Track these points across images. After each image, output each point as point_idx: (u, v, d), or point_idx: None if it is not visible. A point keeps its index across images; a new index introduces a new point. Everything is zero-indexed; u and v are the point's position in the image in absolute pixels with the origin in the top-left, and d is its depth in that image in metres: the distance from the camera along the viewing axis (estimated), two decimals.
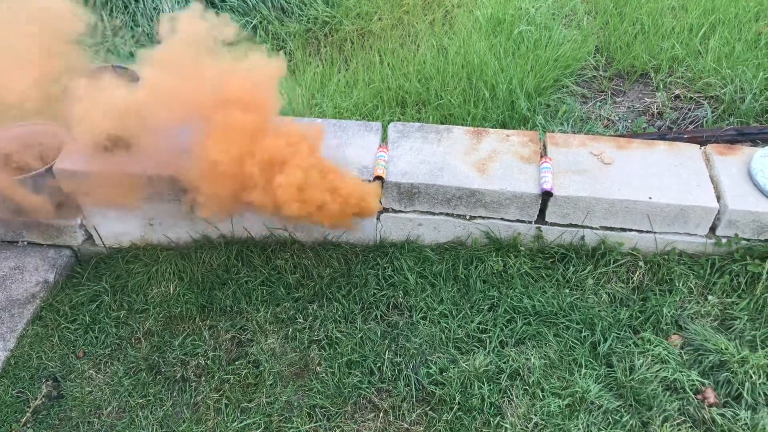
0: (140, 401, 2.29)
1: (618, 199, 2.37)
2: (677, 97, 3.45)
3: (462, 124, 3.20)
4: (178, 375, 2.33)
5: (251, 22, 4.41)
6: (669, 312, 2.32)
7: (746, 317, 2.30)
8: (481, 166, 2.49)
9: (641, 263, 2.47)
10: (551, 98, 3.44)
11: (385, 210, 2.56)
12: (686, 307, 2.36)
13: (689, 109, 3.35)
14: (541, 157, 2.52)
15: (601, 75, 3.66)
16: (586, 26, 3.93)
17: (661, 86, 3.47)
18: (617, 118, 3.43)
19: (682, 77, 3.46)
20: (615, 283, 2.45)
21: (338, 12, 4.36)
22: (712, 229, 2.44)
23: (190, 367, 2.35)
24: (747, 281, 2.38)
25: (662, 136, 3.02)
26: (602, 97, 3.56)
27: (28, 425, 2.26)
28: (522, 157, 2.53)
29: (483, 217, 2.52)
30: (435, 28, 4.11)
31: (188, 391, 2.30)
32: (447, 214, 2.53)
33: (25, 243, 2.81)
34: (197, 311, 2.53)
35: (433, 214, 2.54)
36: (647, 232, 2.46)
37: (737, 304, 2.35)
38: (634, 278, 2.46)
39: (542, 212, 2.48)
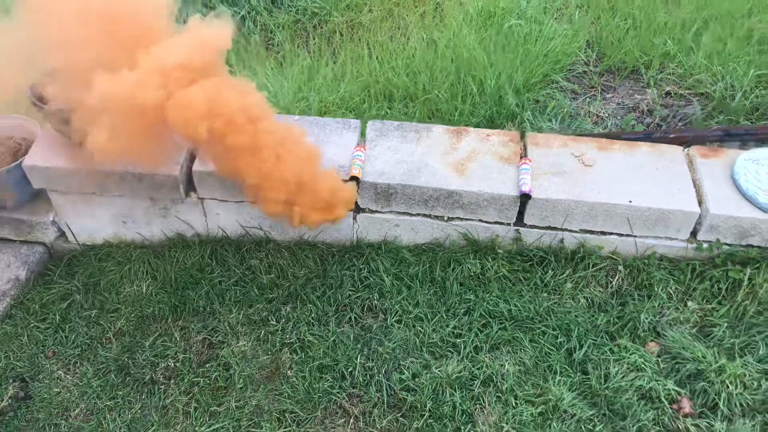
0: (108, 403, 2.26)
1: (598, 203, 2.32)
2: (668, 93, 3.39)
3: (449, 119, 3.14)
4: (147, 377, 2.30)
5: (239, 13, 4.34)
6: (647, 318, 2.28)
7: (726, 324, 2.27)
8: (460, 166, 2.44)
9: (621, 267, 2.43)
10: (540, 94, 3.39)
11: (362, 210, 2.51)
12: (665, 313, 2.32)
13: (679, 107, 3.29)
14: (521, 158, 2.47)
15: (591, 70, 3.60)
16: (577, 20, 3.86)
17: (652, 83, 3.41)
18: (606, 115, 3.37)
19: (673, 74, 3.41)
20: (594, 287, 2.41)
21: (328, 3, 4.28)
22: (693, 233, 2.39)
23: (159, 369, 2.31)
24: (728, 287, 2.34)
25: (648, 135, 2.96)
26: (592, 93, 3.51)
27: None
28: (502, 158, 2.47)
29: (461, 219, 2.48)
30: (425, 21, 4.04)
31: (157, 394, 2.26)
32: (425, 215, 2.49)
33: None
34: (169, 311, 2.49)
35: (411, 215, 2.49)
36: (627, 235, 2.42)
37: (717, 310, 2.31)
38: (614, 283, 2.42)
39: (521, 214, 2.43)
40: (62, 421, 2.23)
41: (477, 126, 3.12)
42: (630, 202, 2.31)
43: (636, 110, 3.39)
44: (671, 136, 2.95)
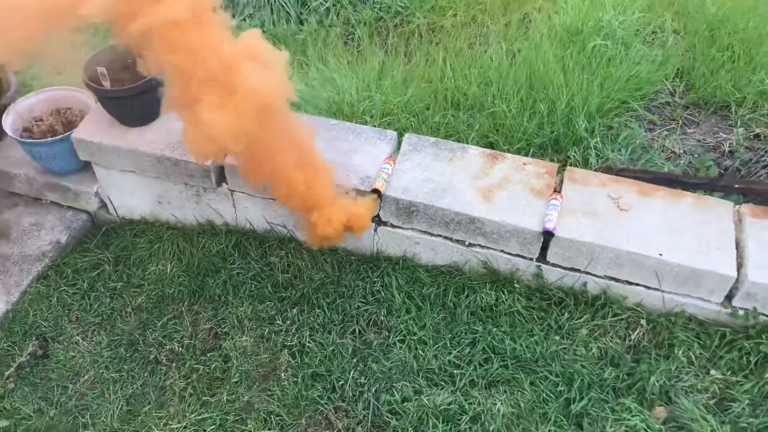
0: (114, 375, 2.36)
1: (625, 251, 2.19)
2: (756, 136, 3.14)
3: (512, 135, 3.04)
4: (152, 357, 2.38)
5: (325, 4, 4.39)
6: (659, 380, 2.14)
7: (747, 401, 2.09)
8: (488, 192, 2.37)
9: (643, 321, 2.29)
10: (614, 120, 3.22)
11: (384, 223, 2.48)
12: (682, 378, 2.17)
13: (765, 152, 3.05)
14: (554, 192, 2.36)
15: (675, 102, 3.39)
16: (670, 46, 3.65)
17: (741, 122, 3.17)
18: (682, 152, 3.17)
19: (767, 115, 3.15)
20: (610, 337, 2.29)
21: (413, 3, 4.25)
22: (729, 297, 2.22)
23: (164, 350, 2.39)
24: (757, 362, 2.16)
25: (712, 181, 2.76)
26: (672, 126, 3.30)
27: (11, 379, 2.37)
28: (533, 189, 2.38)
29: (482, 246, 2.41)
30: (509, 31, 3.93)
31: (158, 374, 2.34)
32: (445, 237, 2.44)
33: (48, 201, 2.92)
34: (187, 295, 2.56)
35: (431, 234, 2.44)
36: (655, 289, 2.27)
37: (741, 384, 2.14)
38: (633, 336, 2.28)
39: (545, 250, 2.34)
40: (70, 385, 2.35)
41: (540, 146, 3.02)
42: (660, 255, 2.17)
43: (716, 150, 3.17)
44: (736, 186, 2.75)
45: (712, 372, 2.17)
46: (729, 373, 2.17)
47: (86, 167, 2.76)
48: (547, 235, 2.24)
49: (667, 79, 3.44)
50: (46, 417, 2.24)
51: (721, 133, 3.25)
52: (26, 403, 2.30)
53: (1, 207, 2.90)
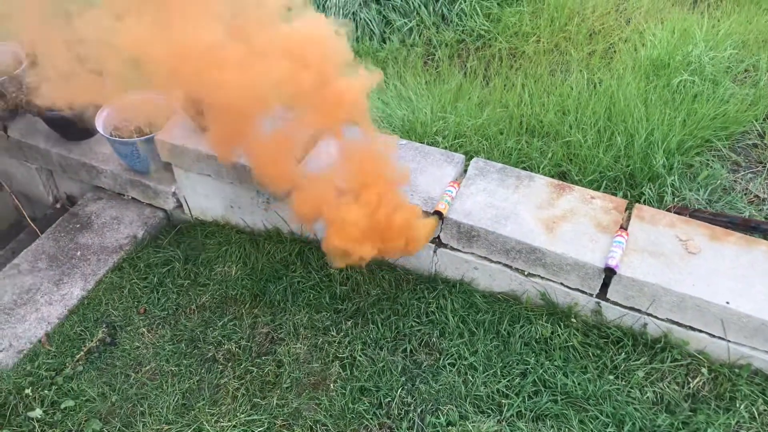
0: (173, 368, 2.46)
1: (689, 295, 2.13)
2: None
3: (586, 167, 2.99)
4: (210, 354, 2.47)
5: (408, 24, 4.46)
6: None
7: None
8: (551, 224, 2.35)
9: (704, 370, 2.21)
10: (695, 159, 3.11)
11: (444, 245, 2.50)
12: None
13: None
14: (620, 229, 2.32)
15: (764, 144, 3.26)
16: (763, 86, 3.51)
17: None
18: (767, 196, 3.04)
19: None
20: (668, 383, 2.21)
21: (496, 27, 4.26)
22: None
23: (222, 350, 2.48)
24: None
25: None
26: (758, 168, 3.17)
27: (80, 362, 2.51)
28: (599, 224, 2.34)
29: (541, 277, 2.38)
30: (592, 61, 3.89)
31: (214, 372, 2.43)
32: (504, 265, 2.43)
33: (129, 197, 3.10)
34: (249, 298, 2.65)
35: (491, 261, 2.44)
36: (720, 338, 2.19)
37: None
38: (692, 384, 2.20)
39: (605, 287, 2.29)
40: (133, 374, 2.47)
41: (614, 179, 2.95)
42: (727, 303, 2.09)
43: None
44: None
45: None
46: None
47: (167, 167, 2.90)
48: (609, 272, 2.20)
49: (756, 120, 3.30)
50: (108, 402, 2.37)
51: None
52: (92, 386, 2.43)
53: None
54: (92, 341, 2.57)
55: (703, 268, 2.19)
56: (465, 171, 2.61)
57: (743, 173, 3.12)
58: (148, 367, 2.49)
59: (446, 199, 2.41)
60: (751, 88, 3.46)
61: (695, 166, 3.05)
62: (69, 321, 2.64)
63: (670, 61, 3.66)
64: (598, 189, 2.85)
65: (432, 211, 2.39)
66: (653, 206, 2.75)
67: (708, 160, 3.08)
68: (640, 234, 2.30)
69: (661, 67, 3.66)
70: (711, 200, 2.91)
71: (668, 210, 2.67)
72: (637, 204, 2.44)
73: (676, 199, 2.88)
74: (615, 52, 3.98)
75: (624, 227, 2.35)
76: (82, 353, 2.53)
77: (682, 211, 2.70)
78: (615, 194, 2.86)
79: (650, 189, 2.87)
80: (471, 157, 2.67)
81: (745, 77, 3.62)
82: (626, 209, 2.42)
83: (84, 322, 2.65)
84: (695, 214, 2.65)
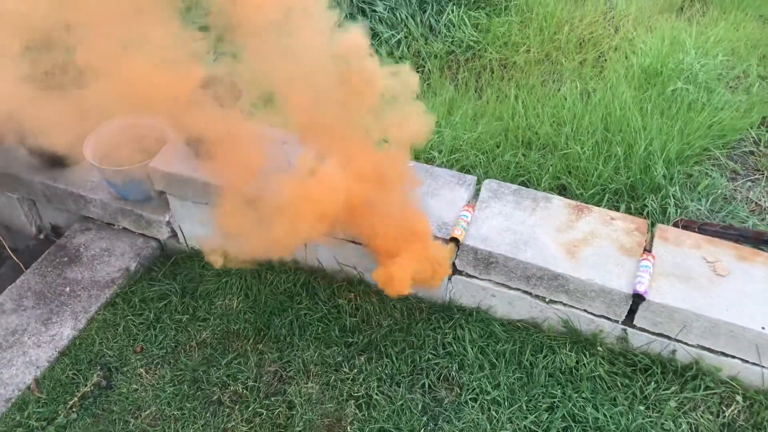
0: (176, 413, 2.30)
1: (723, 321, 2.03)
2: None
3: (586, 180, 2.91)
4: (215, 397, 2.32)
5: (396, 36, 4.36)
6: None
7: None
8: (573, 248, 2.24)
9: (739, 398, 2.12)
10: (694, 168, 3.05)
11: (459, 272, 2.38)
12: None
13: None
14: (644, 252, 2.22)
15: (761, 151, 3.21)
16: (756, 93, 3.47)
17: None
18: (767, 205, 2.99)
19: None
20: (702, 413, 2.12)
21: (485, 38, 4.18)
22: None
23: (228, 391, 2.33)
24: None
25: None
26: (756, 176, 3.12)
27: (74, 409, 2.34)
28: (622, 247, 2.24)
29: (564, 304, 2.28)
30: (583, 70, 3.82)
31: (221, 416, 2.27)
32: (524, 292, 2.32)
33: (120, 227, 2.93)
34: (253, 333, 2.51)
35: (509, 288, 2.33)
36: (754, 364, 2.10)
37: None
38: (727, 414, 2.10)
39: (632, 313, 2.19)
40: (132, 420, 2.30)
41: (615, 192, 2.88)
42: (763, 329, 2.00)
43: None
44: None
45: None
46: None
47: (160, 195, 2.75)
48: (638, 299, 2.10)
49: (751, 127, 3.26)
50: None
51: None
52: None
53: None
54: (86, 385, 2.40)
55: (734, 292, 2.10)
56: (477, 193, 2.49)
57: (742, 181, 3.07)
58: (147, 412, 2.33)
59: (462, 225, 2.29)
60: (744, 94, 3.42)
61: (694, 176, 2.99)
62: (60, 364, 2.47)
63: (662, 69, 3.62)
64: (600, 202, 2.78)
65: (448, 238, 2.27)
66: (657, 218, 2.68)
67: (707, 169, 3.02)
68: (666, 256, 2.21)
69: (654, 75, 3.61)
70: (713, 210, 2.86)
71: (675, 224, 2.60)
72: (660, 225, 2.35)
73: (678, 211, 2.81)
74: (606, 60, 3.93)
75: (648, 249, 2.25)
76: (75, 399, 2.36)
77: (690, 224, 2.63)
78: (617, 207, 2.79)
79: (653, 201, 2.80)
80: (480, 178, 2.56)
81: (737, 84, 3.59)
82: (648, 230, 2.32)
83: (76, 364, 2.47)
84: (704, 227, 2.57)
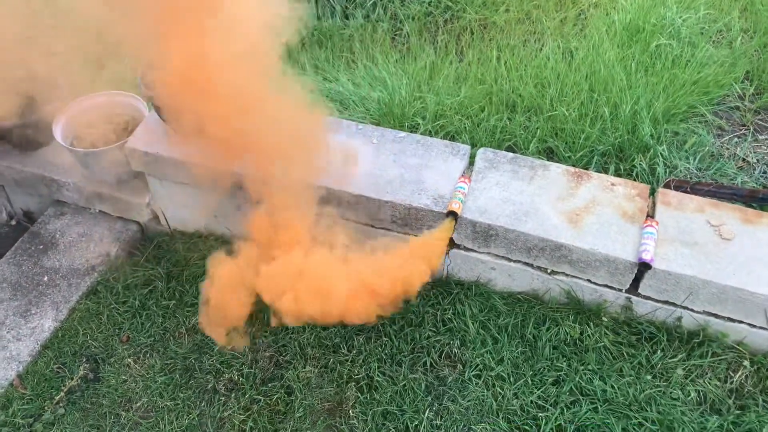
0: (169, 403, 2.21)
1: (730, 286, 1.98)
2: None
3: (573, 142, 2.84)
4: (210, 385, 2.23)
5: None
6: None
7: None
8: (575, 216, 2.17)
9: (746, 362, 2.08)
10: (681, 126, 2.99)
11: (457, 246, 2.30)
12: None
13: None
14: (647, 218, 2.16)
15: (745, 106, 3.16)
16: (739, 47, 3.40)
17: None
18: (755, 160, 2.94)
19: None
20: (709, 379, 2.08)
21: None
22: None
23: (222, 379, 2.24)
24: None
25: None
26: (742, 132, 3.07)
27: (61, 404, 2.24)
28: (624, 214, 2.18)
29: (566, 275, 2.21)
30: (564, 28, 3.72)
31: (216, 404, 2.19)
32: (525, 263, 2.25)
33: (97, 211, 2.79)
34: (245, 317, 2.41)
35: (510, 260, 2.26)
36: (761, 328, 2.06)
37: None
38: (735, 378, 2.07)
39: (636, 281, 2.13)
40: (123, 412, 2.21)
41: (603, 154, 2.80)
42: None
43: None
44: None
45: None
46: None
47: (138, 176, 2.61)
48: (643, 267, 2.04)
49: (736, 82, 3.20)
50: None
51: None
52: (77, 430, 2.17)
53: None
54: (72, 379, 2.30)
55: (740, 256, 2.05)
56: (471, 163, 2.40)
57: (729, 137, 3.02)
58: (139, 404, 2.23)
59: (459, 197, 2.20)
60: (727, 48, 3.35)
61: (681, 134, 2.93)
62: (43, 358, 2.36)
63: (644, 24, 3.53)
64: (588, 164, 2.71)
65: (446, 212, 2.18)
66: (646, 178, 2.61)
67: (693, 126, 2.96)
68: (670, 222, 2.15)
69: (636, 31, 3.52)
70: (701, 168, 2.80)
71: (666, 185, 2.54)
72: (661, 189, 2.28)
73: (667, 170, 2.76)
74: (586, 18, 3.83)
75: (650, 215, 2.19)
76: (62, 394, 2.26)
77: (682, 184, 2.57)
78: (606, 168, 2.72)
79: (641, 161, 2.73)
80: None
81: (720, 38, 3.51)
82: (650, 195, 2.25)
83: (60, 357, 2.36)
84: (696, 187, 2.51)
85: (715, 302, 2.05)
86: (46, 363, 2.34)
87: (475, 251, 2.28)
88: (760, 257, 2.04)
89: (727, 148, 2.97)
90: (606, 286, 2.18)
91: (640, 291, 2.15)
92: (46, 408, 2.22)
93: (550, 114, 2.98)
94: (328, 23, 4.17)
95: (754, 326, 2.07)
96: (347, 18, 4.26)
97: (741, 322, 2.08)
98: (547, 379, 2.11)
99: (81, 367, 2.33)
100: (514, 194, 2.24)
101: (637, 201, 2.21)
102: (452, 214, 2.17)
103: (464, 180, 2.27)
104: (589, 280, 2.19)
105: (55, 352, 2.38)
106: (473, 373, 2.16)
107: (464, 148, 2.41)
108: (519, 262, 2.25)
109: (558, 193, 2.24)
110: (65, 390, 2.27)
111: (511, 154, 2.38)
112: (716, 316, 2.10)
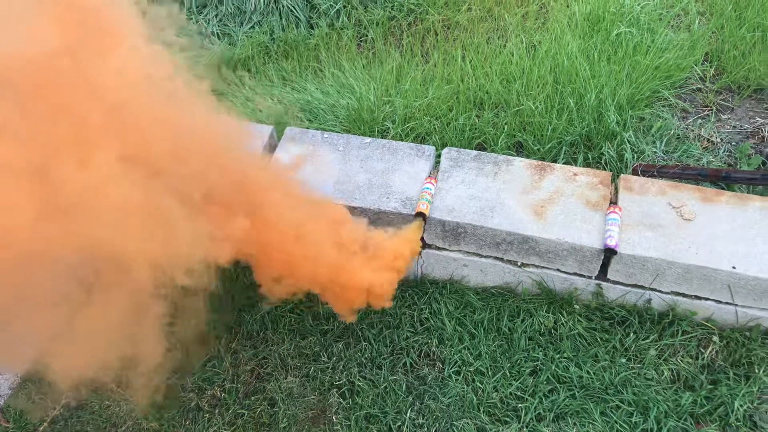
0: (153, 425, 2.22)
1: (694, 265, 2.04)
2: None
3: (542, 135, 2.88)
4: (193, 404, 2.24)
5: (335, 6, 4.24)
6: (742, 405, 1.98)
7: None
8: (539, 208, 2.21)
9: (716, 338, 2.14)
10: (646, 111, 3.05)
11: (428, 246, 2.33)
12: (765, 400, 2.01)
13: None
14: (611, 204, 2.20)
15: (707, 87, 3.22)
16: (697, 30, 3.47)
17: None
18: (719, 140, 3.00)
19: None
20: (681, 357, 2.13)
21: (425, 0, 4.09)
22: None
23: (205, 396, 2.25)
24: None
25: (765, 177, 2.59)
26: (705, 113, 3.14)
27: None
28: (588, 202, 2.22)
29: (536, 266, 2.25)
30: (527, 23, 3.77)
31: (201, 422, 2.20)
32: (496, 258, 2.28)
33: None
34: (224, 332, 2.42)
35: (481, 256, 2.29)
36: (727, 303, 2.12)
37: None
38: (705, 354, 2.13)
39: (604, 267, 2.18)
40: None
41: (572, 144, 2.86)
42: (733, 268, 2.01)
43: (755, 136, 3.00)
44: None
45: None
46: None
47: None
48: (609, 253, 2.08)
49: (696, 65, 3.26)
50: None
51: (757, 118, 3.08)
52: None
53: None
54: (55, 409, 2.30)
55: (702, 235, 2.10)
56: (438, 163, 2.43)
57: (693, 119, 3.08)
58: (124, 428, 2.24)
59: (426, 198, 2.23)
60: (686, 32, 3.42)
61: (647, 119, 2.99)
62: (23, 390, 2.35)
63: (604, 14, 3.59)
64: (557, 156, 2.76)
65: (414, 213, 2.21)
66: (615, 165, 2.67)
67: (658, 111, 3.03)
68: (632, 207, 2.20)
69: (597, 21, 3.58)
70: (668, 151, 2.86)
71: (634, 170, 2.59)
72: (623, 176, 2.33)
73: (635, 156, 2.82)
74: (547, 11, 3.89)
75: (614, 201, 2.24)
76: (45, 424, 2.26)
77: (648, 168, 2.62)
78: (575, 159, 2.77)
79: (609, 149, 2.79)
80: (437, 147, 2.49)
81: (678, 22, 3.59)
82: (612, 181, 2.30)
83: (41, 387, 2.36)
84: (662, 170, 2.57)
85: (681, 282, 2.11)
86: (27, 395, 2.33)
87: (447, 249, 2.32)
88: (720, 234, 2.09)
89: (692, 130, 3.04)
90: (576, 274, 2.22)
91: (609, 276, 2.19)
92: None
93: (517, 109, 3.03)
94: (293, 34, 4.19)
95: (720, 302, 2.12)
96: (312, 27, 4.28)
97: (707, 299, 2.13)
98: (524, 370, 2.15)
99: (63, 396, 2.32)
100: (480, 191, 2.28)
101: (600, 189, 2.26)
102: (420, 215, 2.20)
103: (431, 181, 2.30)
104: (558, 270, 2.23)
105: (35, 382, 2.37)
106: (452, 369, 2.19)
107: (429, 149, 2.44)
108: (490, 257, 2.29)
109: (522, 186, 2.28)
110: (48, 420, 2.27)
111: (474, 152, 2.42)
112: (684, 295, 2.15)
